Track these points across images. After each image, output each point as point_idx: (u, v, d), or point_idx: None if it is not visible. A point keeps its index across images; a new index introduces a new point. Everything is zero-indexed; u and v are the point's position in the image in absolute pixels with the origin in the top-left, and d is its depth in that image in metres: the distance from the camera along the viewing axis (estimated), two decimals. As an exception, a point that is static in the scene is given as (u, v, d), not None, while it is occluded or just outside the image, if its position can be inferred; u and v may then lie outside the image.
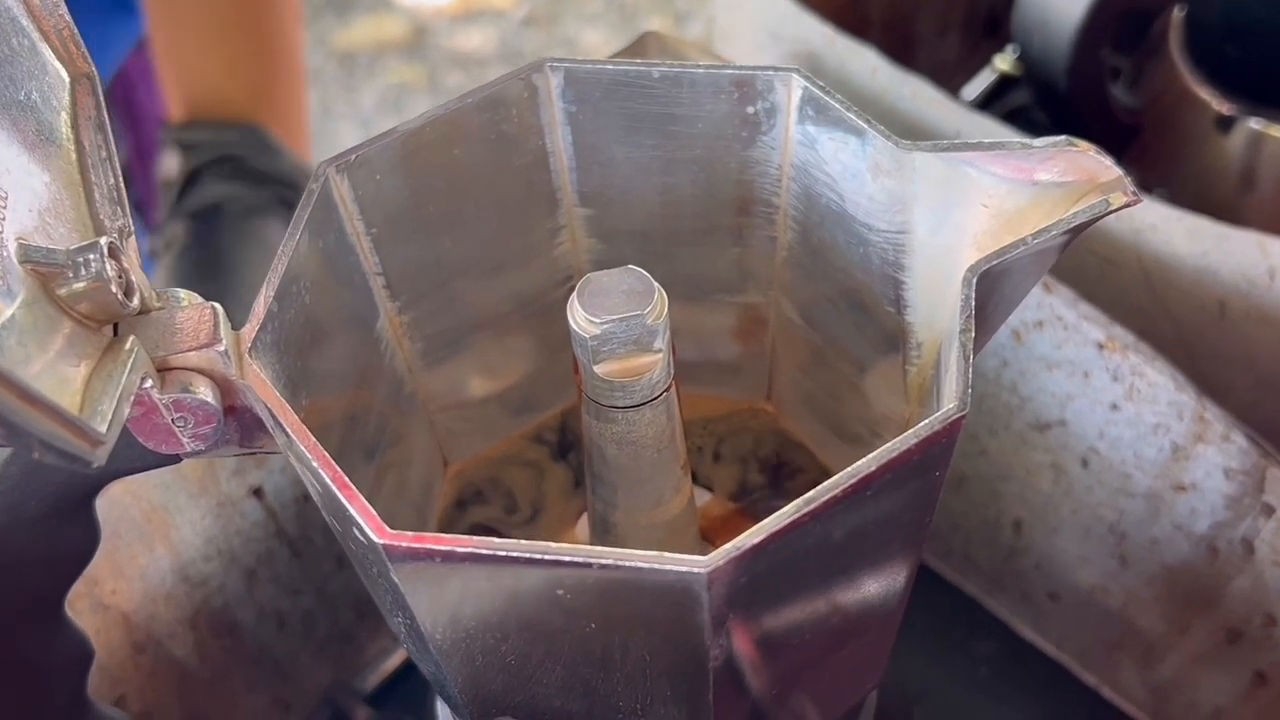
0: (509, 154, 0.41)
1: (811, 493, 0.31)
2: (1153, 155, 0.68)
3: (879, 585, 0.37)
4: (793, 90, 0.39)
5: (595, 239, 0.44)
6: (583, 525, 0.44)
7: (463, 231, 0.42)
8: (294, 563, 0.57)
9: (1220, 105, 0.63)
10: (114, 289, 0.32)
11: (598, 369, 0.36)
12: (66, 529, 0.39)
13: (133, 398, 0.32)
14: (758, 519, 0.45)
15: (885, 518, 0.34)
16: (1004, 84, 0.76)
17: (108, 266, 0.32)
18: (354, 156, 0.39)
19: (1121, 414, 0.52)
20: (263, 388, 0.34)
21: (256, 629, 0.56)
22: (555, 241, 0.44)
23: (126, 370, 0.32)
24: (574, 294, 0.36)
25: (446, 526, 0.45)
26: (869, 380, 0.42)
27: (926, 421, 0.32)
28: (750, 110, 0.40)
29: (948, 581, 0.64)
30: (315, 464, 0.33)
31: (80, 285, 0.32)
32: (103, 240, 0.33)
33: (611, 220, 0.43)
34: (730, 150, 0.41)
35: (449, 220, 0.41)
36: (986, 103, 0.76)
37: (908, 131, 0.60)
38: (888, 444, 0.32)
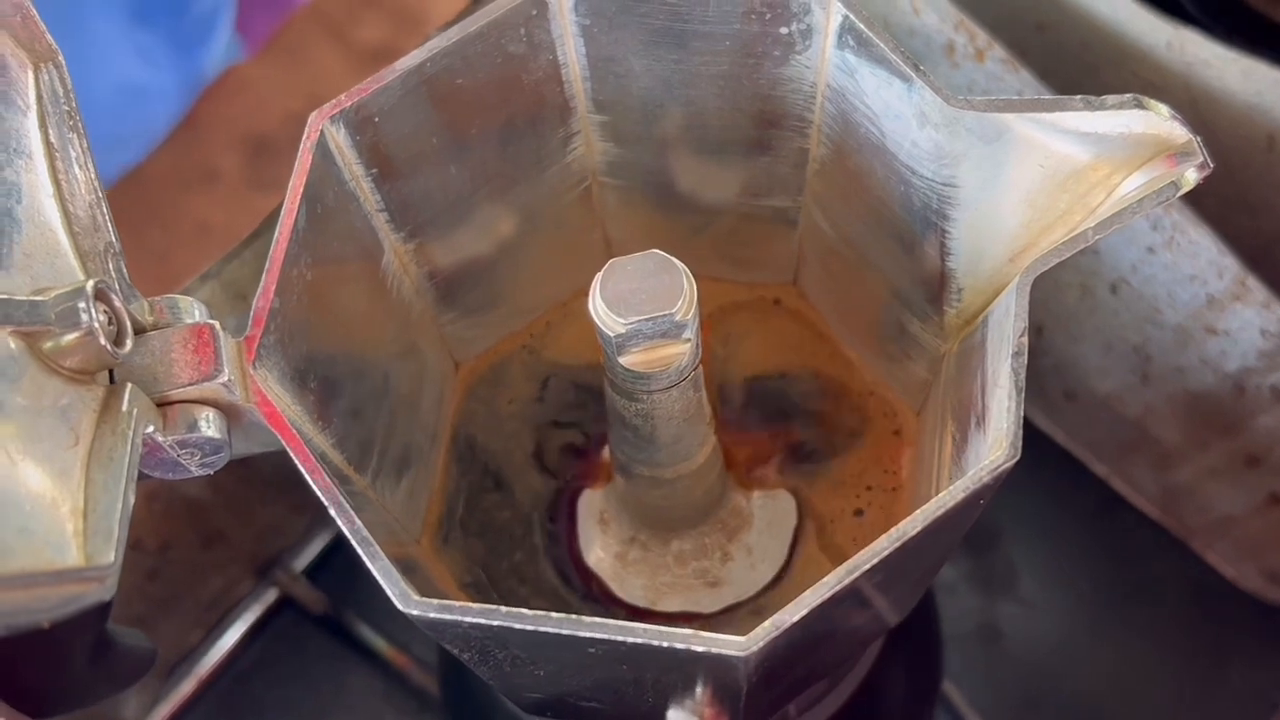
0: (517, 73, 0.38)
1: (853, 561, 0.30)
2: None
3: (917, 586, 0.36)
4: (831, 15, 0.36)
5: (610, 143, 0.41)
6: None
7: (469, 155, 0.39)
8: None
9: None
10: (103, 340, 0.30)
11: (623, 360, 0.34)
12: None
13: (137, 474, 0.30)
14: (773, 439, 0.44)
15: (926, 551, 0.33)
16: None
17: (96, 314, 0.30)
18: (351, 104, 0.35)
19: (1158, 258, 0.50)
20: (274, 418, 0.32)
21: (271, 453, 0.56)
22: (568, 149, 0.40)
23: (129, 448, 0.29)
24: (595, 285, 0.33)
25: (456, 441, 0.44)
26: (903, 308, 0.40)
27: (974, 473, 0.31)
28: (784, 31, 0.37)
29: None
30: (333, 512, 0.31)
31: (68, 339, 0.29)
32: (89, 285, 0.30)
33: (629, 126, 0.40)
34: (760, 68, 0.38)
35: (454, 147, 0.38)
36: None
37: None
38: (933, 501, 0.30)
